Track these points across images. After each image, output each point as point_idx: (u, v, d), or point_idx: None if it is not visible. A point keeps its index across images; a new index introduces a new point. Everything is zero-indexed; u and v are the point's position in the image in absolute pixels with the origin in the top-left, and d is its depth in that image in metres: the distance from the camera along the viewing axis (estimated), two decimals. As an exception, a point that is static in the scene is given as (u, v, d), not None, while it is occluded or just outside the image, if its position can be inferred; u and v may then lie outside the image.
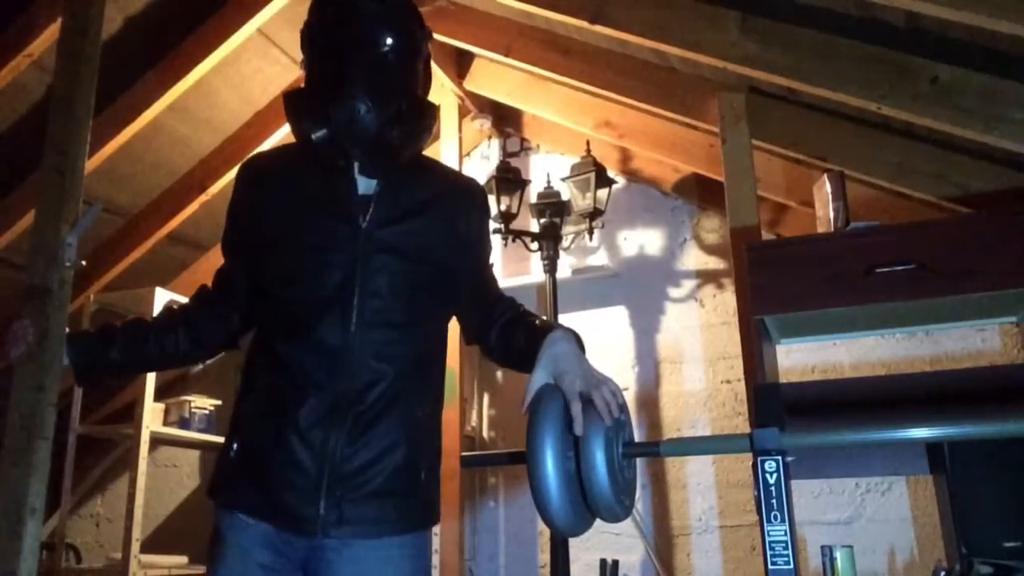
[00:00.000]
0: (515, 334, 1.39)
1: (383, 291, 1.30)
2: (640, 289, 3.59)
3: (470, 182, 1.53)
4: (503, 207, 3.40)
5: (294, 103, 1.35)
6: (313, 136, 1.30)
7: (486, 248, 1.51)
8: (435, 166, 1.52)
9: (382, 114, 1.28)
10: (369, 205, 1.33)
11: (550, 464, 1.59)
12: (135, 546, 2.84)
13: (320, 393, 1.27)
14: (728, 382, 3.36)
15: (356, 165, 1.33)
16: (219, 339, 1.50)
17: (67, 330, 1.55)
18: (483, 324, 1.45)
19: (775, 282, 2.16)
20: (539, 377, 1.28)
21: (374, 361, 1.29)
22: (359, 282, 1.29)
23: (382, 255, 1.31)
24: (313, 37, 1.35)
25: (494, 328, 1.43)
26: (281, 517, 1.26)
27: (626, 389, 3.45)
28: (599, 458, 1.59)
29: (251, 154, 1.49)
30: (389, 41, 1.30)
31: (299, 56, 1.41)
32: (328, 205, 1.34)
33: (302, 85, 1.39)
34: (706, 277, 3.52)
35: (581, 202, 3.36)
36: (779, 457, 1.60)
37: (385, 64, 1.31)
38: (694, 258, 3.56)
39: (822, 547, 1.99)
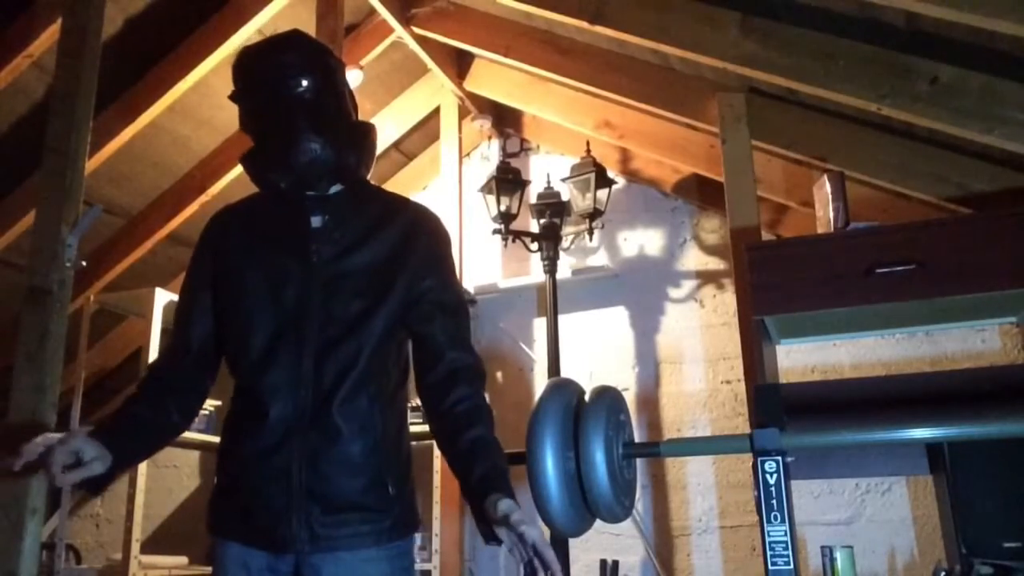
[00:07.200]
0: (470, 452, 1.36)
1: (334, 317, 1.37)
2: (640, 289, 3.59)
3: (419, 208, 1.54)
4: (503, 207, 3.39)
5: (253, 162, 1.44)
6: (283, 185, 1.41)
7: (438, 271, 1.46)
8: (384, 195, 1.57)
9: (333, 144, 1.39)
10: (319, 238, 1.41)
11: (550, 464, 1.59)
12: (135, 547, 2.84)
13: (280, 418, 1.34)
14: (728, 382, 3.36)
15: (308, 203, 1.42)
16: (198, 403, 1.52)
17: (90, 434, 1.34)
18: (433, 375, 1.43)
19: (775, 282, 2.16)
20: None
21: (330, 385, 1.34)
22: (311, 311, 1.36)
23: (331, 283, 1.38)
24: (245, 101, 1.47)
25: (445, 399, 1.42)
26: (258, 537, 1.33)
27: (626, 390, 3.45)
28: (599, 458, 1.60)
29: (218, 210, 1.56)
30: (309, 83, 1.41)
31: None
32: (282, 242, 1.43)
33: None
34: (706, 277, 3.52)
35: (581, 202, 3.35)
36: (779, 457, 1.60)
37: (316, 103, 1.42)
38: (694, 258, 3.56)
39: (822, 547, 2.00)
